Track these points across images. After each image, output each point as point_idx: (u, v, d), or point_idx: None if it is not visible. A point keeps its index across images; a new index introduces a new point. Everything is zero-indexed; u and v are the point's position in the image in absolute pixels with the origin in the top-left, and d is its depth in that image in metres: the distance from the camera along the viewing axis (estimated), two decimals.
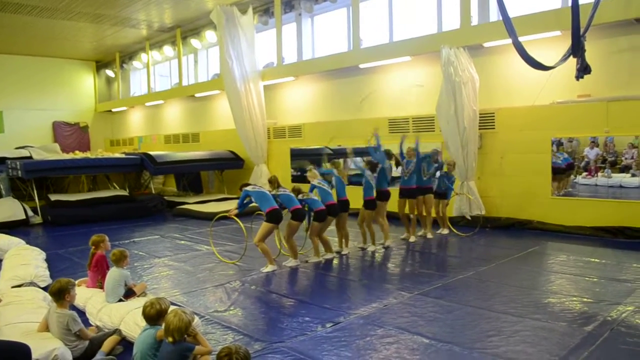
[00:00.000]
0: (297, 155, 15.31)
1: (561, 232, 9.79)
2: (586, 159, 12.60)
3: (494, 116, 10.87)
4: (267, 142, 15.73)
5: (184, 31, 19.06)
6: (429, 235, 9.81)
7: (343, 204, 8.47)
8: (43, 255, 8.34)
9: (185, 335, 3.87)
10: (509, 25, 8.58)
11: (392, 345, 4.69)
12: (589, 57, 8.85)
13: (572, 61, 8.93)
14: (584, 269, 7.29)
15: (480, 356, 4.40)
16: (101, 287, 5.90)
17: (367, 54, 13.01)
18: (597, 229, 9.51)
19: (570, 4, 8.42)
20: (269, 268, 7.59)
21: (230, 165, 16.56)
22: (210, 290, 6.73)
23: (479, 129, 10.80)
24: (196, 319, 4.72)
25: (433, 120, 11.52)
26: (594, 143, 15.78)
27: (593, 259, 7.84)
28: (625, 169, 14.63)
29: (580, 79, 9.01)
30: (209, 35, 17.82)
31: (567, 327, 5.03)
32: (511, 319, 5.28)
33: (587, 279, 6.78)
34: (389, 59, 12.53)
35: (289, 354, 4.54)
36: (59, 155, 15.44)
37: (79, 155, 15.40)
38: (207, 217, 13.11)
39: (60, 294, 4.61)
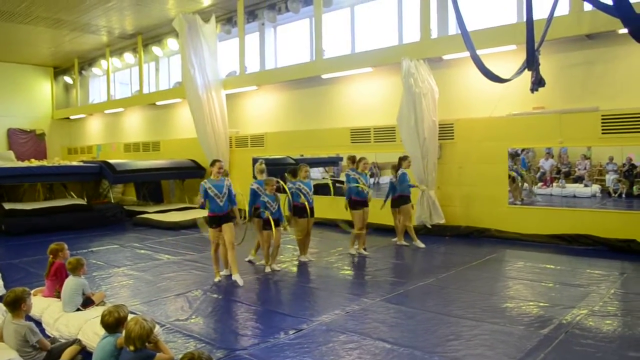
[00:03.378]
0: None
1: (518, 240, 10.05)
2: (541, 170, 13.02)
3: (453, 127, 11.12)
4: (229, 151, 15.66)
5: (145, 38, 18.84)
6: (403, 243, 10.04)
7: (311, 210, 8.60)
8: None
9: (147, 343, 3.82)
10: (467, 39, 8.79)
11: (354, 350, 4.73)
12: (543, 70, 9.13)
13: (528, 74, 9.21)
14: (540, 275, 7.51)
15: None
16: (59, 297, 5.75)
17: (329, 65, 13.14)
18: (553, 237, 9.80)
19: (525, 19, 8.70)
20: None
21: (191, 174, 16.38)
22: (171, 299, 6.64)
23: (439, 139, 11.02)
24: (157, 327, 4.67)
25: (394, 130, 11.69)
26: (549, 154, 16.29)
27: (549, 266, 8.08)
28: (579, 179, 15.19)
29: (535, 92, 9.26)
30: (171, 43, 17.66)
31: (524, 331, 5.18)
32: (470, 324, 5.40)
33: (543, 284, 6.99)
34: (351, 70, 12.68)
35: None
36: (13, 163, 14.99)
37: (34, 163, 14.97)
38: (168, 227, 12.96)
39: (15, 303, 4.48)
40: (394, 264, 8.72)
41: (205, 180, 7.36)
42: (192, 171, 16.35)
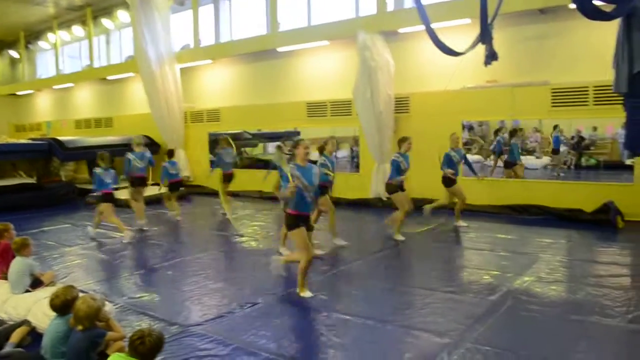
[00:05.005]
0: (215, 140, 15.10)
1: (472, 211, 10.23)
2: (495, 142, 13.32)
3: (408, 100, 11.20)
4: (184, 126, 15.38)
5: (94, 10, 18.19)
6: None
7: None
8: None
9: (97, 322, 3.76)
10: (422, 12, 8.79)
11: (311, 322, 4.78)
12: (496, 44, 9.22)
13: (482, 48, 9.31)
14: (491, 244, 7.72)
15: (393, 328, 4.59)
16: (6, 279, 5.58)
17: (285, 38, 12.99)
18: (504, 207, 10.05)
19: None
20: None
21: None
22: (125, 277, 6.55)
23: (394, 112, 11.08)
24: (108, 305, 4.60)
25: (350, 104, 11.69)
26: (502, 127, 16.63)
27: (500, 235, 8.32)
28: (530, 151, 15.62)
29: (489, 65, 9.39)
30: (122, 15, 17.14)
31: (474, 298, 5.33)
32: (423, 293, 5.52)
33: (494, 253, 7.20)
34: (307, 43, 12.57)
35: (206, 336, 4.51)
36: None
37: None
38: (121, 205, 12.68)
39: None
40: (347, 238, 8.72)
41: (293, 165, 5.37)
42: (147, 147, 15.96)
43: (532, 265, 6.45)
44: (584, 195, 9.42)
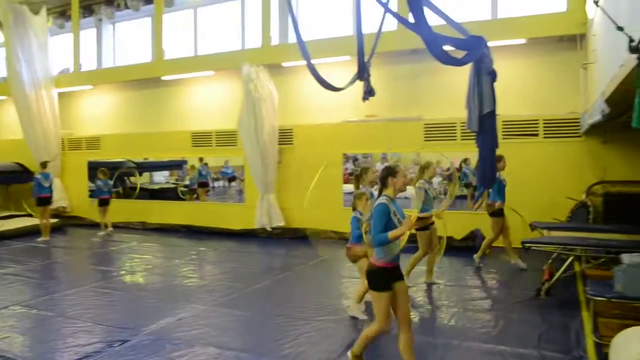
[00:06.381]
0: (95, 168, 14.45)
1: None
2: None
3: (292, 132, 11.48)
4: (61, 153, 14.60)
5: None
6: None
7: None
8: None
9: None
10: (302, 48, 9.12)
11: (181, 358, 4.70)
12: (374, 81, 9.74)
13: (360, 84, 9.80)
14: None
15: None
16: None
17: (170, 66, 12.86)
18: None
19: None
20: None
21: (17, 179, 14.94)
22: None
23: (279, 144, 11.30)
24: None
25: (236, 134, 11.76)
26: (384, 159, 17.45)
27: None
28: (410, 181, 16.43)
29: (367, 101, 9.88)
30: None
31: (348, 326, 5.54)
32: (299, 323, 5.62)
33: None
34: (192, 73, 12.53)
35: None
36: None
37: None
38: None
39: None
40: (231, 268, 8.72)
41: (386, 198, 4.05)
42: (18, 175, 14.92)
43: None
44: (454, 223, 10.08)
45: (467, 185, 12.96)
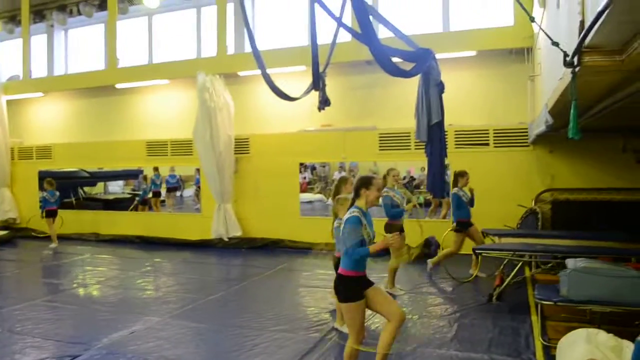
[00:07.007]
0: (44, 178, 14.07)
1: (308, 249, 10.60)
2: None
3: (248, 141, 11.45)
4: (10, 163, 14.14)
5: None
6: None
7: None
8: None
9: None
10: (257, 57, 9.14)
11: None
12: (329, 91, 9.82)
13: (316, 94, 9.88)
14: (323, 280, 8.04)
15: None
16: None
17: (124, 74, 12.66)
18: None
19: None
20: None
21: None
22: None
23: (235, 153, 11.26)
24: None
25: (191, 144, 11.65)
26: (341, 168, 17.59)
27: (331, 272, 8.67)
28: None
29: (322, 110, 9.97)
30: None
31: (304, 335, 5.54)
32: (254, 333, 5.60)
33: (325, 289, 7.50)
34: (146, 81, 12.37)
35: None
36: None
37: None
38: None
39: None
40: (187, 279, 8.62)
41: (358, 210, 4.04)
42: None
43: None
44: (408, 230, 10.22)
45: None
